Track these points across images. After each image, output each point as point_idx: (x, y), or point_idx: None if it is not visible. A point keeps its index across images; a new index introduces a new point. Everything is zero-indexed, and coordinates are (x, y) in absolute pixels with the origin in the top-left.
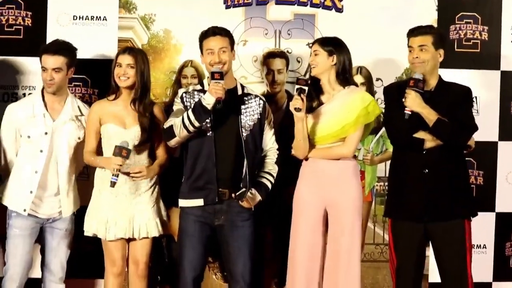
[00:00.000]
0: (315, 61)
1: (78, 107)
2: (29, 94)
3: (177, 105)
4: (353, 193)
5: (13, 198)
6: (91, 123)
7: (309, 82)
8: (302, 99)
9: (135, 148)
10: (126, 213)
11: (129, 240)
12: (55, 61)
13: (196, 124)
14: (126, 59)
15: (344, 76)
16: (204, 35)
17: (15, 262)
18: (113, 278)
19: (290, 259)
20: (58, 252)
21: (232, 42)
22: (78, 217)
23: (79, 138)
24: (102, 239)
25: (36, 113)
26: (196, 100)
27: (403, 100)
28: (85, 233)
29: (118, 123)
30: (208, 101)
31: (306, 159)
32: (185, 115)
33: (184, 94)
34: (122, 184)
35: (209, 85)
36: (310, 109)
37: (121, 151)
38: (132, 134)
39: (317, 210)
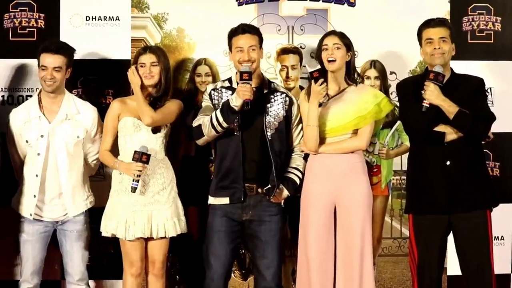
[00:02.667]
0: (336, 55)
1: (75, 105)
2: None
3: (205, 102)
4: (362, 188)
5: (21, 203)
6: (110, 119)
7: (321, 72)
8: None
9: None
10: (144, 212)
11: (147, 240)
12: (56, 60)
13: (224, 124)
14: (150, 58)
15: (353, 73)
16: (234, 33)
17: (28, 266)
18: (131, 279)
19: (302, 254)
20: (73, 254)
21: (261, 40)
22: (98, 218)
23: (78, 137)
24: (120, 239)
25: (31, 117)
26: (224, 98)
27: (422, 92)
28: (103, 234)
29: (136, 116)
30: (236, 102)
31: (315, 153)
32: (213, 115)
33: (212, 91)
34: (139, 185)
35: (237, 83)
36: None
37: (141, 157)
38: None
39: (327, 205)
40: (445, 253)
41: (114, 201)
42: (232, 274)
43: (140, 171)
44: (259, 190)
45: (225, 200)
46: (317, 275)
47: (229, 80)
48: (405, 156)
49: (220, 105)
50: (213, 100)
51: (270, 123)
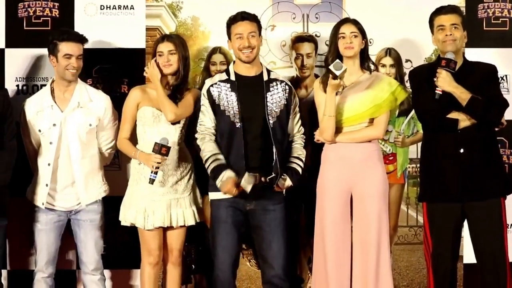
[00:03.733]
0: (354, 43)
1: (88, 93)
2: None
3: (204, 103)
4: (378, 176)
5: (34, 193)
6: (129, 108)
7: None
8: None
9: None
10: (163, 202)
11: (165, 229)
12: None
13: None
14: (167, 46)
15: (368, 61)
16: (232, 20)
17: (42, 256)
18: (149, 268)
19: (318, 243)
20: (87, 244)
21: (259, 28)
22: (113, 207)
23: (90, 125)
24: (139, 228)
25: (44, 106)
26: (223, 92)
27: (435, 79)
28: (122, 223)
29: (155, 106)
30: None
31: (332, 143)
32: (207, 164)
33: (210, 88)
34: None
35: (232, 82)
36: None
37: (160, 149)
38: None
39: (343, 195)
40: (459, 241)
41: (133, 190)
42: (248, 263)
43: (159, 163)
44: (262, 179)
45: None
46: (334, 263)
47: (227, 72)
48: (420, 145)
49: (212, 168)
50: (213, 97)
51: (271, 110)
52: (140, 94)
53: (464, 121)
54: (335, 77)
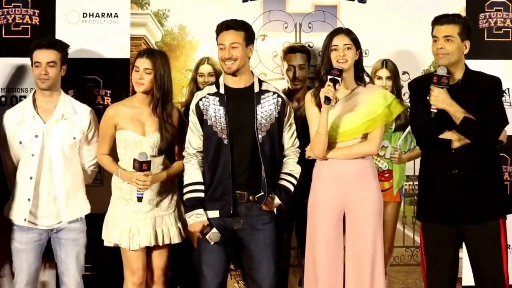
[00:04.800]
0: (347, 56)
1: (72, 105)
2: None
3: (192, 119)
4: (372, 194)
5: (14, 209)
6: (106, 128)
7: (342, 74)
8: (334, 89)
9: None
10: (148, 220)
11: (148, 247)
12: (49, 55)
13: None
14: (144, 63)
15: (362, 72)
16: (218, 29)
17: (22, 277)
18: None
19: (309, 265)
20: (69, 265)
21: (248, 36)
22: (96, 225)
23: (74, 138)
24: (122, 248)
25: (26, 117)
26: (211, 106)
27: (428, 98)
28: (105, 243)
29: (136, 129)
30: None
31: (323, 159)
32: (185, 185)
33: (199, 102)
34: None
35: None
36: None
37: (141, 166)
38: (151, 141)
39: (336, 213)
40: (457, 261)
41: (116, 209)
42: (236, 284)
43: (144, 180)
44: (250, 197)
45: (215, 214)
46: (325, 285)
47: (217, 84)
48: (418, 161)
49: (187, 198)
50: (201, 112)
51: (261, 124)
52: (116, 114)
53: (458, 141)
54: (327, 101)
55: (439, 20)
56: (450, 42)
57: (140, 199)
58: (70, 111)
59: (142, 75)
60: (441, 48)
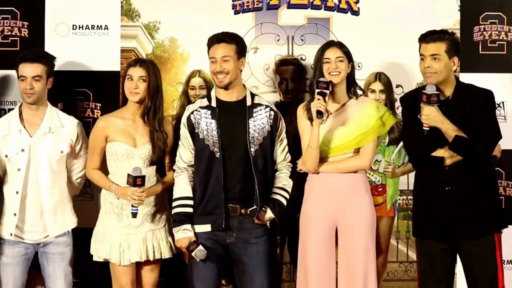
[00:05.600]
0: (340, 68)
1: (59, 118)
2: None
3: (183, 133)
4: (365, 208)
5: (0, 223)
6: (96, 141)
7: (330, 85)
8: (325, 102)
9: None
10: (138, 235)
11: (138, 262)
12: (34, 69)
13: None
14: (138, 72)
15: (354, 85)
16: (209, 42)
17: None
18: None
19: (301, 279)
20: (56, 279)
21: (240, 49)
22: (85, 239)
23: (61, 152)
24: (111, 264)
25: (12, 130)
26: (203, 119)
27: (419, 116)
28: (95, 259)
29: (127, 140)
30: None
31: (315, 173)
32: (174, 199)
33: (191, 115)
34: (128, 205)
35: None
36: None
37: (135, 181)
38: (143, 152)
39: (328, 228)
40: (452, 277)
41: (106, 224)
42: None
43: (139, 196)
44: (243, 211)
45: (207, 228)
46: None
47: (209, 97)
48: (412, 175)
49: (176, 212)
50: (193, 125)
51: (254, 138)
52: (106, 126)
53: (450, 158)
54: (320, 115)
55: (425, 38)
56: (437, 61)
57: (134, 215)
58: (57, 124)
59: (137, 84)
60: (428, 67)
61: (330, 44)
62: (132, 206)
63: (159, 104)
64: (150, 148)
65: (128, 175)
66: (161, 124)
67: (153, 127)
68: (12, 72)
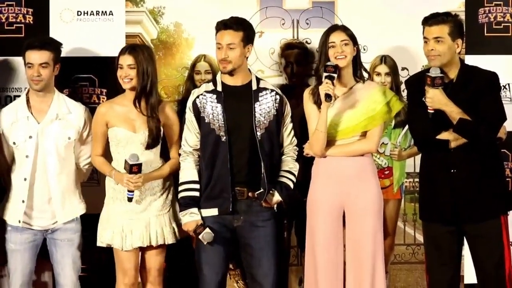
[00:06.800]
0: (346, 52)
1: (66, 104)
2: None
3: (188, 117)
4: (372, 192)
5: (9, 210)
6: (98, 126)
7: (337, 69)
8: (333, 85)
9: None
10: (141, 220)
11: (142, 247)
12: (41, 56)
13: None
14: (127, 60)
15: (360, 68)
16: (217, 27)
17: (16, 278)
18: None
19: (309, 263)
20: (65, 265)
21: (247, 36)
22: (92, 225)
23: (69, 138)
24: (114, 249)
25: (19, 117)
26: (208, 104)
27: (423, 99)
28: (98, 244)
29: (127, 126)
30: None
31: (322, 157)
32: (180, 183)
33: (196, 100)
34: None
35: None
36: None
37: (131, 168)
38: (142, 137)
39: (335, 211)
40: (459, 259)
41: (109, 209)
42: (235, 284)
43: (135, 182)
44: (250, 194)
45: (214, 212)
46: (326, 284)
47: (214, 82)
48: (419, 158)
49: (182, 196)
50: (198, 109)
51: (260, 122)
52: (107, 112)
53: (455, 140)
54: (328, 97)
55: (428, 21)
56: (441, 43)
57: (130, 199)
58: (65, 111)
59: (127, 72)
60: (432, 49)
61: (334, 28)
62: (128, 191)
63: (150, 89)
64: (146, 134)
65: (125, 161)
66: (154, 109)
67: (146, 113)
68: (17, 59)
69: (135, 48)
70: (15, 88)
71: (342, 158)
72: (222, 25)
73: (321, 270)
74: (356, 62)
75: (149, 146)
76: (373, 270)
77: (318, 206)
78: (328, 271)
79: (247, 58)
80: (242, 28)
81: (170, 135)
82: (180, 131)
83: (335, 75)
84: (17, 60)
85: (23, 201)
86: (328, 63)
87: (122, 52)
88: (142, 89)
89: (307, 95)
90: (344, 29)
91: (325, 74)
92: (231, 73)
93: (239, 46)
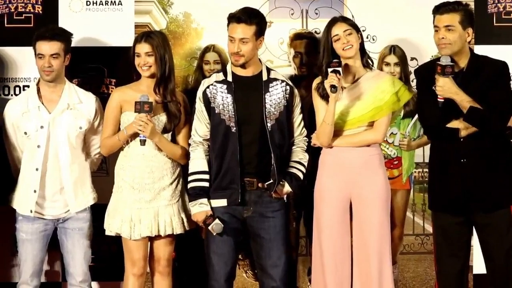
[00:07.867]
0: (351, 41)
1: (77, 94)
2: None
3: (198, 107)
4: (379, 182)
5: (20, 200)
6: (111, 110)
7: (341, 63)
8: (338, 78)
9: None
10: (150, 209)
11: (151, 237)
12: (52, 46)
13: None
14: (144, 48)
15: (366, 57)
16: (229, 19)
17: (27, 267)
18: (133, 279)
19: (316, 253)
20: (75, 254)
21: (259, 29)
22: (101, 215)
23: (80, 128)
24: (123, 238)
25: (30, 107)
26: (219, 94)
27: (434, 88)
28: (107, 233)
29: None
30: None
31: (328, 147)
32: (190, 173)
33: (206, 90)
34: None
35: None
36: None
37: (143, 106)
38: (157, 123)
39: (342, 202)
40: (468, 250)
41: (117, 198)
42: (244, 274)
43: (146, 122)
44: (260, 184)
45: (223, 202)
46: (333, 275)
47: (224, 72)
48: (428, 148)
49: (192, 187)
50: (208, 100)
51: (270, 113)
52: (123, 97)
53: (465, 129)
54: (334, 88)
55: (439, 9)
56: (451, 32)
57: (143, 142)
58: (76, 101)
59: (145, 60)
60: (443, 38)
61: (334, 21)
62: (140, 132)
63: (169, 75)
64: (164, 119)
65: (136, 102)
66: (173, 94)
67: (166, 98)
68: (26, 49)
69: (150, 35)
70: (24, 78)
71: (349, 148)
72: (235, 19)
73: (327, 260)
74: (363, 50)
75: (167, 130)
76: (380, 261)
77: (324, 196)
78: (334, 260)
79: (258, 49)
80: (255, 22)
81: (180, 123)
82: (189, 121)
83: (340, 69)
84: (27, 51)
85: (35, 191)
86: (333, 60)
87: (138, 40)
88: (162, 75)
89: (315, 86)
90: (344, 19)
91: (330, 69)
92: (242, 66)
93: (251, 40)
